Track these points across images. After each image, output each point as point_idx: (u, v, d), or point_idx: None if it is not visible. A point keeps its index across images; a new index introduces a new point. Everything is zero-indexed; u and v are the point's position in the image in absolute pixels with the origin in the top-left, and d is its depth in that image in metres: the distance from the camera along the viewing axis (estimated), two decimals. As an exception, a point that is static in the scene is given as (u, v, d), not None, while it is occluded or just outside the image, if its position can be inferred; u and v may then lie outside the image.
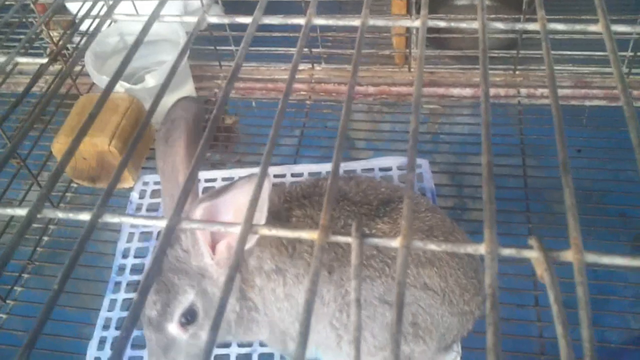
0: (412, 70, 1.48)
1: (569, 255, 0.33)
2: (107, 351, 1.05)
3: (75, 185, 1.34)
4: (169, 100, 1.47)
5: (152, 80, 1.30)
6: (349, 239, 0.34)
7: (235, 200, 0.71)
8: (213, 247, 0.78)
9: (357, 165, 1.28)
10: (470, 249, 0.33)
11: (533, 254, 0.33)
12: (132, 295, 1.12)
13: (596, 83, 1.41)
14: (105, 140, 1.21)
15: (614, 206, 1.29)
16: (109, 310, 1.10)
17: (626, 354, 1.11)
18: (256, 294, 0.85)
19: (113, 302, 1.12)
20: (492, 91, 1.42)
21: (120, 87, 1.33)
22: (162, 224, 0.36)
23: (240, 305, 0.84)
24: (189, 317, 0.79)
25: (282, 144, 1.45)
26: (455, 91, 1.44)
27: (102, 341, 1.06)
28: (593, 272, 1.08)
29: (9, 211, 0.39)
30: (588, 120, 1.36)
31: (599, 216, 1.20)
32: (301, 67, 1.52)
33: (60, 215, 0.38)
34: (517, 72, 1.43)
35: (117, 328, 1.08)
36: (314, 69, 1.52)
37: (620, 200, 1.27)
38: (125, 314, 1.10)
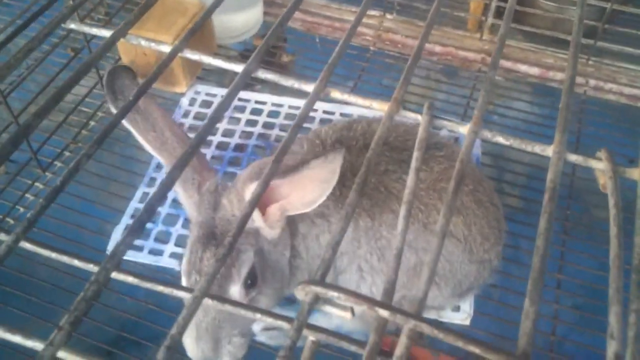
0: (483, 38, 1.45)
1: (635, 173, 0.32)
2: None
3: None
4: (237, 19, 1.47)
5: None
6: (419, 116, 0.34)
7: (303, 182, 0.69)
8: (264, 210, 0.75)
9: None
10: (538, 148, 0.33)
11: (600, 165, 0.32)
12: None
13: (669, 88, 1.36)
14: (169, 39, 1.22)
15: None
16: (140, 202, 1.13)
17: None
18: (299, 242, 0.82)
19: (145, 195, 1.14)
20: (559, 76, 1.38)
21: (193, -8, 1.33)
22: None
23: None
24: (251, 280, 0.74)
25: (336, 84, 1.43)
26: (523, 68, 1.40)
27: (127, 228, 1.09)
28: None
29: (95, 30, 0.40)
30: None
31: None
32: (372, 12, 1.49)
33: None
34: (589, 62, 1.38)
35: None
36: (384, 16, 1.49)
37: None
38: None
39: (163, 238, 1.09)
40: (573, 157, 0.32)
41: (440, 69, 1.47)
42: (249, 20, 1.46)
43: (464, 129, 0.34)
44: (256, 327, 0.95)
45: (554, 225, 1.10)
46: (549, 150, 0.32)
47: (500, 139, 0.33)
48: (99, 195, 1.16)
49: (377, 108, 0.35)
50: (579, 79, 1.36)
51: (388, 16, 1.50)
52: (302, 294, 0.27)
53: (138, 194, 1.15)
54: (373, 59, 1.43)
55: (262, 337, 0.96)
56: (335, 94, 0.37)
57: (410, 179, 0.32)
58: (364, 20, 1.50)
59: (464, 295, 0.92)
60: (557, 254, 1.08)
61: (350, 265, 0.84)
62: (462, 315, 0.97)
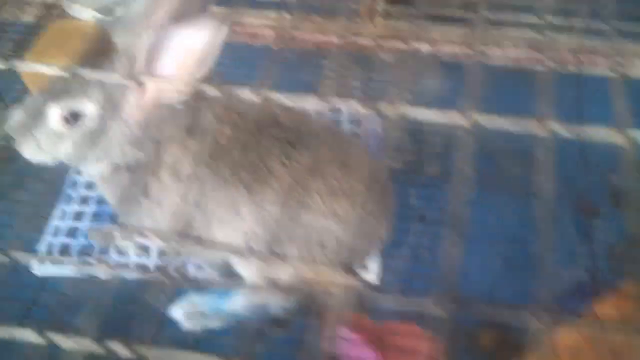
0: (376, 25, 1.54)
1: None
2: (54, 255, 1.12)
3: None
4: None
5: (120, 10, 1.36)
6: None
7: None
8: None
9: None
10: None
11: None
12: (83, 208, 1.19)
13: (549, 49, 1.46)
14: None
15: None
16: (59, 220, 1.18)
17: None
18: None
19: (64, 212, 1.19)
20: (448, 49, 1.48)
21: (91, 16, 1.39)
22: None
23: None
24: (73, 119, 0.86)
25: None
26: (416, 45, 1.49)
27: (50, 246, 1.14)
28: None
29: None
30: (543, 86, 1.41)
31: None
32: (269, 14, 1.57)
33: None
34: (474, 32, 1.48)
35: (65, 236, 1.15)
36: (282, 16, 1.57)
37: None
38: (74, 224, 1.17)
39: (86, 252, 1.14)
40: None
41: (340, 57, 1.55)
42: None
43: (387, 108, 0.40)
44: (178, 314, 1.00)
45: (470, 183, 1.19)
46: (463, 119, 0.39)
47: (425, 114, 0.40)
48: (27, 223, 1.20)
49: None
50: (465, 49, 1.46)
51: (286, 15, 1.57)
52: (93, 237, 0.33)
53: (57, 212, 1.19)
54: (275, 57, 1.50)
55: (186, 324, 1.01)
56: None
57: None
58: (264, 21, 1.58)
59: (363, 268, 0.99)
60: (477, 210, 1.16)
61: (235, 233, 0.91)
62: (370, 275, 1.04)
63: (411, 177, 1.30)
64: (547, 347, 0.89)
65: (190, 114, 0.92)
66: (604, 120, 0.48)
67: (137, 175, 0.92)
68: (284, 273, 0.93)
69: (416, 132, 1.47)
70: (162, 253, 1.09)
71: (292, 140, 0.92)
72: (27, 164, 1.29)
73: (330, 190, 0.88)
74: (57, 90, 0.85)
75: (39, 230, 1.15)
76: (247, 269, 0.96)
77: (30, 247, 1.13)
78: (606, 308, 0.82)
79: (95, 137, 0.90)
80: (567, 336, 0.92)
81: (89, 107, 0.86)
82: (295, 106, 1.00)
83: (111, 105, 0.86)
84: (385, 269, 1.05)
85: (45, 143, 0.86)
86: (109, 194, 0.95)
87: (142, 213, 0.92)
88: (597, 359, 0.83)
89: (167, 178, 0.89)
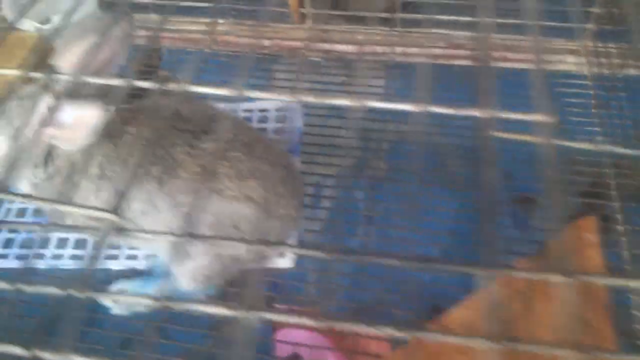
0: (305, 27, 1.64)
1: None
2: (-1, 251, 1.21)
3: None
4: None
5: (57, 20, 1.44)
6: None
7: None
8: None
9: (238, 108, 1.45)
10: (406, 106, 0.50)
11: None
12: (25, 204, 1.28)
13: (467, 45, 1.59)
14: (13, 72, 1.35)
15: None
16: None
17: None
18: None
19: (8, 210, 1.28)
20: (369, 49, 1.59)
21: (31, 26, 1.47)
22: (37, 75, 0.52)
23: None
24: None
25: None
26: (340, 47, 1.61)
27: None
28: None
29: None
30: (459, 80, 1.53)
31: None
32: (205, 20, 1.66)
33: None
34: (394, 32, 1.60)
35: (9, 231, 1.24)
36: (217, 21, 1.66)
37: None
38: (17, 219, 1.26)
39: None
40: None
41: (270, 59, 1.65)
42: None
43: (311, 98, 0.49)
44: (107, 299, 1.10)
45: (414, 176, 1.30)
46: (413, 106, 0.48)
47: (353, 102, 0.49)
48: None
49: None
50: (386, 49, 1.58)
51: (220, 21, 1.67)
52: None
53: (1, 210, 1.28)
54: (212, 60, 1.60)
55: (115, 309, 1.11)
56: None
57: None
58: (197, 27, 1.67)
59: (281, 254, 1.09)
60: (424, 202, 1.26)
61: (157, 226, 1.00)
62: (287, 260, 1.15)
63: (356, 177, 1.41)
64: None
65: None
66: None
67: (54, 185, 1.01)
68: (203, 259, 1.02)
69: (362, 130, 1.59)
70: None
71: (194, 130, 1.00)
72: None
73: (237, 173, 0.98)
74: None
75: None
76: (173, 258, 1.05)
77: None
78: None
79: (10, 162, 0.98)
80: (459, 314, 1.03)
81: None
82: (195, 98, 1.12)
83: (18, 132, 0.95)
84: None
85: None
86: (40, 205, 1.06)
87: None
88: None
89: (82, 182, 0.98)
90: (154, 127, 0.99)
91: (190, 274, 1.02)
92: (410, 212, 1.22)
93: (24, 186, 1.02)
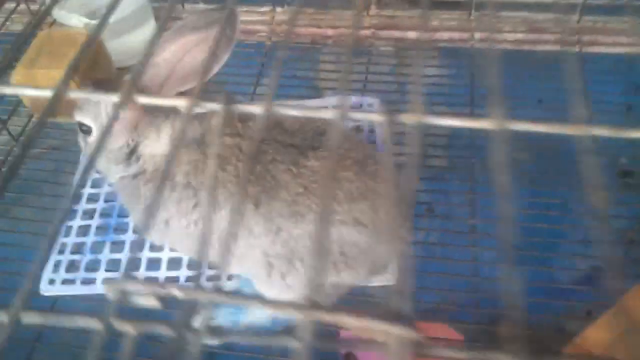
0: (371, 14, 1.51)
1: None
2: (62, 273, 1.09)
3: (35, 120, 1.37)
4: (133, 39, 1.49)
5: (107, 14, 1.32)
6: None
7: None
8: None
9: (310, 104, 1.32)
10: (478, 123, 0.37)
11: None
12: (88, 221, 1.17)
13: (550, 29, 1.45)
14: (61, 72, 1.23)
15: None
16: (65, 236, 1.15)
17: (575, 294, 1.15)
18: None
19: (69, 228, 1.16)
20: (446, 35, 1.45)
21: (79, 22, 1.35)
22: (113, 99, 0.40)
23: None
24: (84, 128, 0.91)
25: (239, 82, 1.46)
26: (411, 35, 1.47)
27: (57, 264, 1.11)
28: (544, 216, 1.13)
29: None
30: (545, 68, 1.39)
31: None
32: (262, 9, 1.53)
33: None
34: (471, 17, 1.46)
35: (72, 252, 1.13)
36: (275, 11, 1.53)
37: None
38: (80, 239, 1.15)
39: (94, 267, 1.11)
40: (519, 126, 0.36)
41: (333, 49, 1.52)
42: (145, 38, 1.48)
43: (408, 118, 0.37)
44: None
45: (462, 174, 1.18)
46: (490, 124, 0.36)
47: (449, 122, 0.37)
48: (32, 240, 1.16)
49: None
50: (464, 35, 1.44)
51: (278, 9, 1.54)
52: (108, 291, 0.31)
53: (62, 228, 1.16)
54: (270, 54, 1.47)
55: (204, 339, 0.99)
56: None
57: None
58: (257, 17, 1.54)
59: (384, 270, 0.96)
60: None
61: (251, 250, 0.88)
62: (385, 277, 1.03)
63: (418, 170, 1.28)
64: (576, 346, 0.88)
65: (189, 124, 0.90)
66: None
67: (136, 183, 0.92)
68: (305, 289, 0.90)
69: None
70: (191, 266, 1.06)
71: (300, 145, 0.88)
72: (28, 181, 1.27)
73: (347, 194, 0.85)
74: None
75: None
76: (268, 286, 0.93)
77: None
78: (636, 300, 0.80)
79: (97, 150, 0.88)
80: (596, 333, 0.90)
81: (88, 121, 0.90)
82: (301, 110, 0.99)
83: (101, 121, 0.89)
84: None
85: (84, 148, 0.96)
86: (125, 202, 0.99)
87: (152, 227, 0.91)
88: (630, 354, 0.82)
89: (166, 191, 0.87)
90: (252, 140, 0.86)
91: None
92: (474, 204, 1.13)
93: (113, 179, 0.96)
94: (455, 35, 1.45)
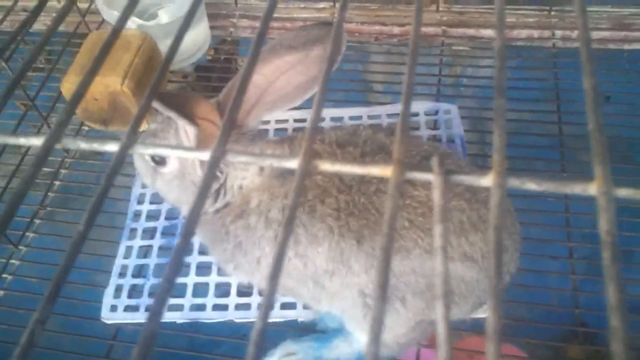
0: (440, 9, 1.40)
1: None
2: (124, 299, 1.01)
3: (85, 128, 1.28)
4: (185, 40, 1.40)
5: (165, 16, 1.23)
6: (430, 176, 0.29)
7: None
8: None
9: (382, 110, 1.21)
10: (578, 188, 0.28)
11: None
12: (149, 242, 1.08)
13: (636, 25, 1.32)
14: (117, 80, 1.14)
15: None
16: (125, 258, 1.07)
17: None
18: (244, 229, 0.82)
19: (129, 249, 1.08)
20: (525, 32, 1.34)
21: (132, 23, 1.26)
22: (204, 156, 0.31)
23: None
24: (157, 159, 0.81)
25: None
26: (486, 32, 1.36)
27: (118, 289, 1.03)
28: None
29: (22, 141, 0.34)
30: (630, 65, 1.27)
31: (624, 164, 1.13)
32: (321, 5, 1.43)
33: (83, 145, 0.32)
34: (552, 13, 1.34)
35: (133, 275, 1.04)
36: (335, 7, 1.43)
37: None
38: (141, 260, 1.06)
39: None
40: (624, 192, 0.27)
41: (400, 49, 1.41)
42: (197, 38, 1.39)
43: (486, 181, 0.28)
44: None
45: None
46: (593, 189, 0.27)
47: (533, 185, 0.28)
48: (82, 260, 1.09)
49: (377, 173, 0.29)
50: (545, 32, 1.32)
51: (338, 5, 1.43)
52: None
53: (121, 249, 1.08)
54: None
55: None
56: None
57: (439, 263, 0.26)
58: (315, 14, 1.44)
59: (484, 304, 0.87)
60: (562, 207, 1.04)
61: (348, 288, 0.79)
62: (484, 308, 0.93)
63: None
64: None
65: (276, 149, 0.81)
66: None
67: (221, 220, 0.82)
68: (402, 328, 0.81)
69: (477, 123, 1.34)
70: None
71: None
72: (85, 200, 1.20)
73: (458, 227, 0.75)
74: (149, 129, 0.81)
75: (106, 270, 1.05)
76: (362, 327, 0.84)
77: (97, 292, 1.02)
78: None
79: (176, 180, 0.80)
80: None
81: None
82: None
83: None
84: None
85: (145, 174, 0.85)
86: (203, 239, 0.90)
87: (234, 260, 0.82)
88: None
89: (257, 224, 0.78)
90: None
91: (383, 343, 0.81)
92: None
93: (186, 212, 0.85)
94: (535, 33, 1.33)
